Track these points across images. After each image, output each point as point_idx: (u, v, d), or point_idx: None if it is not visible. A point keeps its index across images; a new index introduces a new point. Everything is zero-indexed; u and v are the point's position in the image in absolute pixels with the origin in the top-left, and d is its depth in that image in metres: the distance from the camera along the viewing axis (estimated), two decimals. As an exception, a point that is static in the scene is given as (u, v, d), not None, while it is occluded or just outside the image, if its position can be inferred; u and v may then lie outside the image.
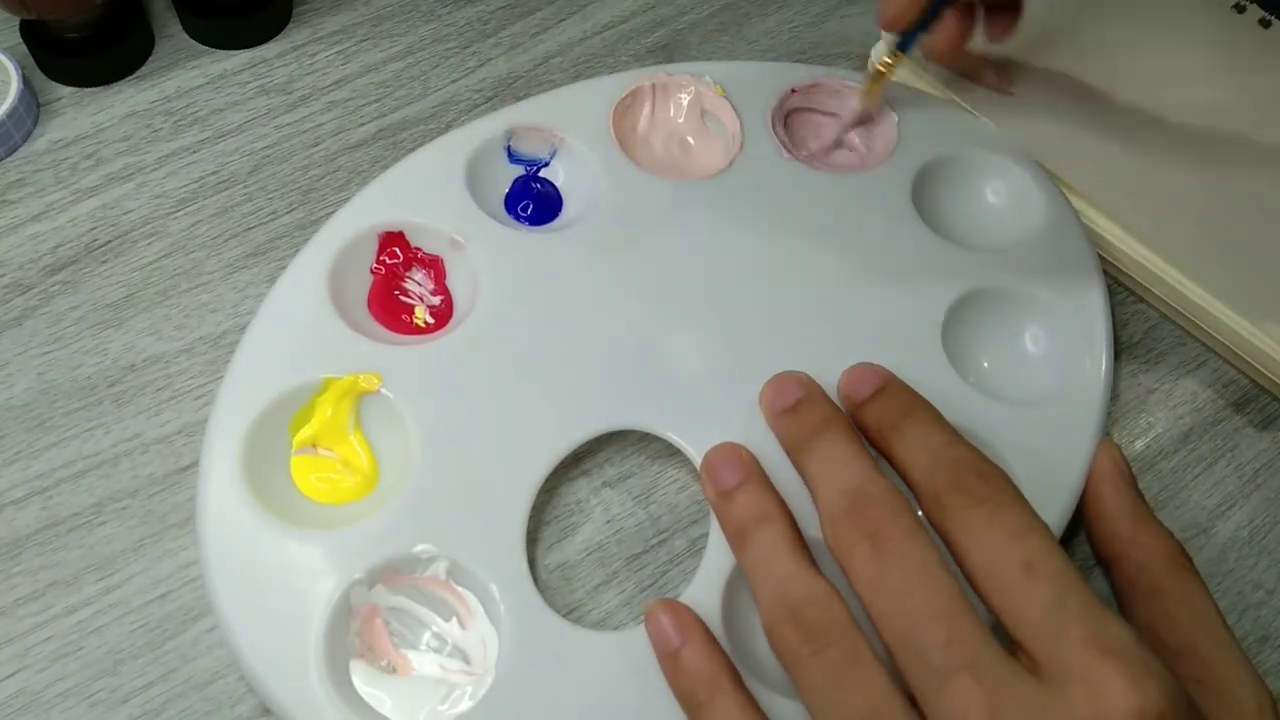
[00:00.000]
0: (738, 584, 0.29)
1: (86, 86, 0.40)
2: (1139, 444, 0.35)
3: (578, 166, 0.37)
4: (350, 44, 0.42)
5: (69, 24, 0.38)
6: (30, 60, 0.40)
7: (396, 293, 0.34)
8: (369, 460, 0.31)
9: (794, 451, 0.29)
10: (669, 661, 0.28)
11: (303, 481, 0.31)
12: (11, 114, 0.37)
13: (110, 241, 0.36)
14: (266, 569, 0.28)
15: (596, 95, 0.38)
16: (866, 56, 0.36)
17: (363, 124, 0.40)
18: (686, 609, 0.29)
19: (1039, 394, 0.33)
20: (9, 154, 0.38)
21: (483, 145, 0.36)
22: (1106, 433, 0.33)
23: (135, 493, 0.32)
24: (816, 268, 0.35)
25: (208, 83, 0.40)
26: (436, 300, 0.35)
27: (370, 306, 0.34)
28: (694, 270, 0.34)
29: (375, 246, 0.34)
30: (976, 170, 0.38)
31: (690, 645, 0.28)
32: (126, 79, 0.40)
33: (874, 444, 0.29)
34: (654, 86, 0.39)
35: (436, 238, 0.34)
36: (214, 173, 0.38)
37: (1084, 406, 0.32)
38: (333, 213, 0.34)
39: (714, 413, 0.31)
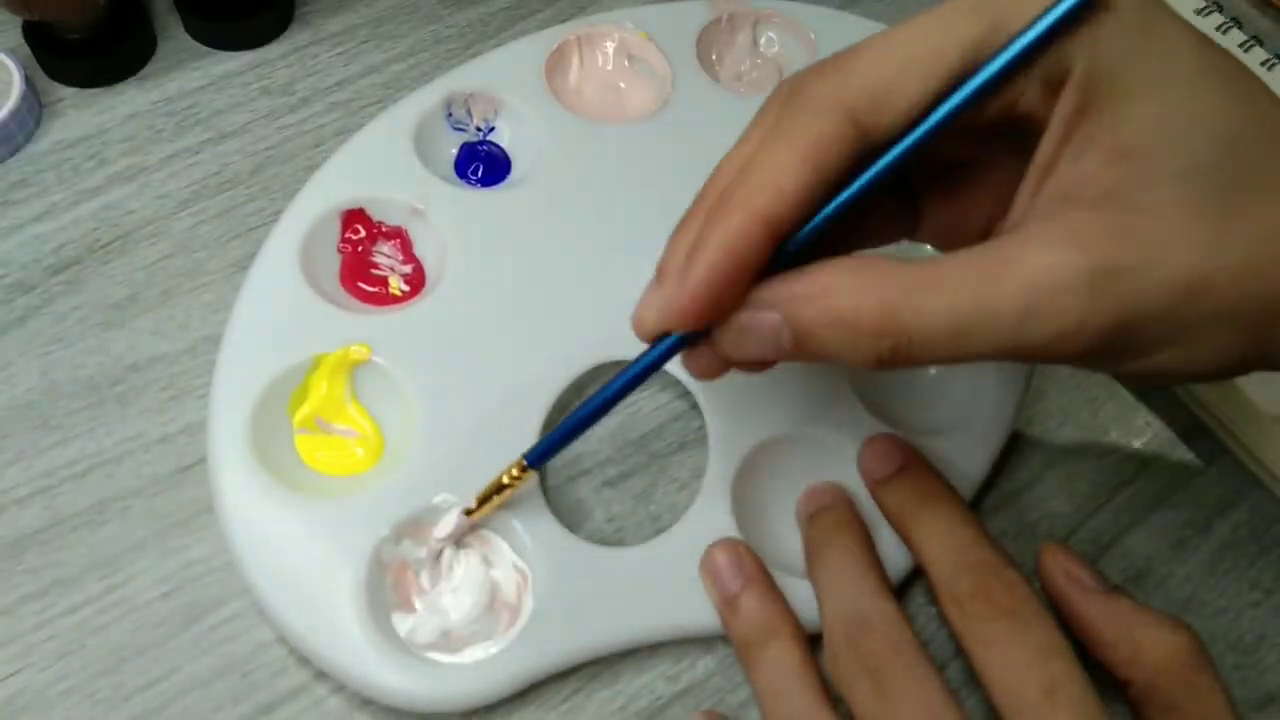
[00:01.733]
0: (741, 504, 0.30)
1: (89, 87, 0.40)
2: (1136, 444, 0.35)
3: (519, 125, 0.38)
4: (352, 45, 0.42)
5: (71, 25, 0.38)
6: (33, 61, 0.40)
7: (368, 267, 0.35)
8: (371, 427, 0.32)
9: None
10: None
11: (311, 459, 0.31)
12: (14, 114, 0.37)
13: (113, 242, 0.36)
14: (294, 544, 0.29)
15: (526, 54, 0.39)
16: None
17: (365, 125, 0.40)
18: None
19: None
20: (11, 154, 0.38)
21: (425, 115, 0.37)
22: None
23: (138, 492, 0.32)
24: None
25: (210, 84, 0.40)
26: (408, 269, 0.35)
27: (344, 283, 0.34)
28: (645, 206, 0.35)
29: (338, 226, 0.35)
30: None
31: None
32: (129, 80, 0.40)
33: (893, 526, 0.30)
34: (579, 39, 0.39)
35: (397, 209, 0.35)
36: (216, 173, 0.38)
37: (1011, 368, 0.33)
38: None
39: None
